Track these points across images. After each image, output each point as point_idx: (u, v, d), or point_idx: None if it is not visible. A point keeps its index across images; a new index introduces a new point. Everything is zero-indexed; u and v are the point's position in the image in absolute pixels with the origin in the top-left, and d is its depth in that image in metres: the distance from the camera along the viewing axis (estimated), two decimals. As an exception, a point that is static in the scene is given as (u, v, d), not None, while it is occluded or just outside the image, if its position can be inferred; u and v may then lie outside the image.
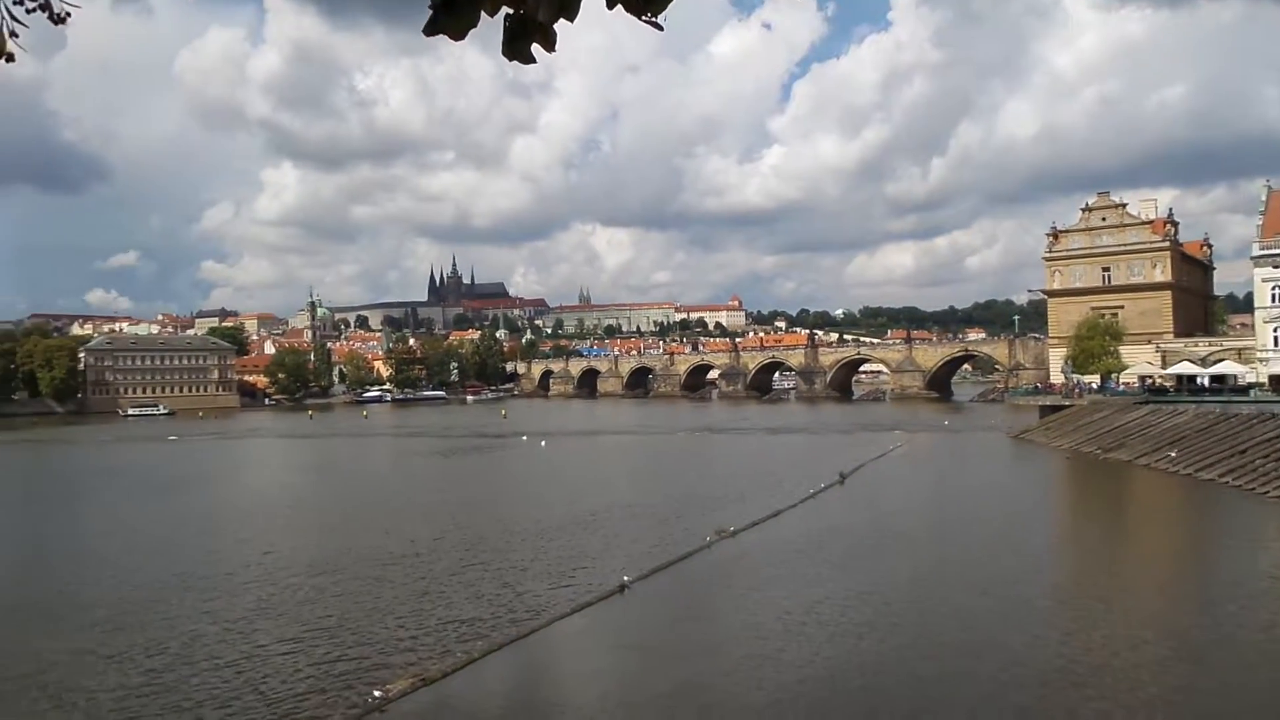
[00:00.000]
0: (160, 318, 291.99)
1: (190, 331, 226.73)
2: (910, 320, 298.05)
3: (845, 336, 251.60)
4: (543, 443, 69.42)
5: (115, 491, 49.05)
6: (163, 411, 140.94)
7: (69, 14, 2.48)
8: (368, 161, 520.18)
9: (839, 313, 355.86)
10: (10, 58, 2.51)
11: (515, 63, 2.81)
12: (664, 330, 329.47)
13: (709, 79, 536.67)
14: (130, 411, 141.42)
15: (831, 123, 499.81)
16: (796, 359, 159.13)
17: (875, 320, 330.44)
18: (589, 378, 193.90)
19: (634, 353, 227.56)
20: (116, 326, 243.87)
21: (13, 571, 27.38)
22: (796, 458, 56.81)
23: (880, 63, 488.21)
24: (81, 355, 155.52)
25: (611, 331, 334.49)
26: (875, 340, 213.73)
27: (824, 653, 18.09)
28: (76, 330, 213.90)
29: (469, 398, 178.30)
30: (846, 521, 33.11)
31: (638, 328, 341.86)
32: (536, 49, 2.73)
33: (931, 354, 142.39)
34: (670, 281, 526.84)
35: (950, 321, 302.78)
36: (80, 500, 45.64)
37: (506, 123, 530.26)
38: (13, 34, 2.48)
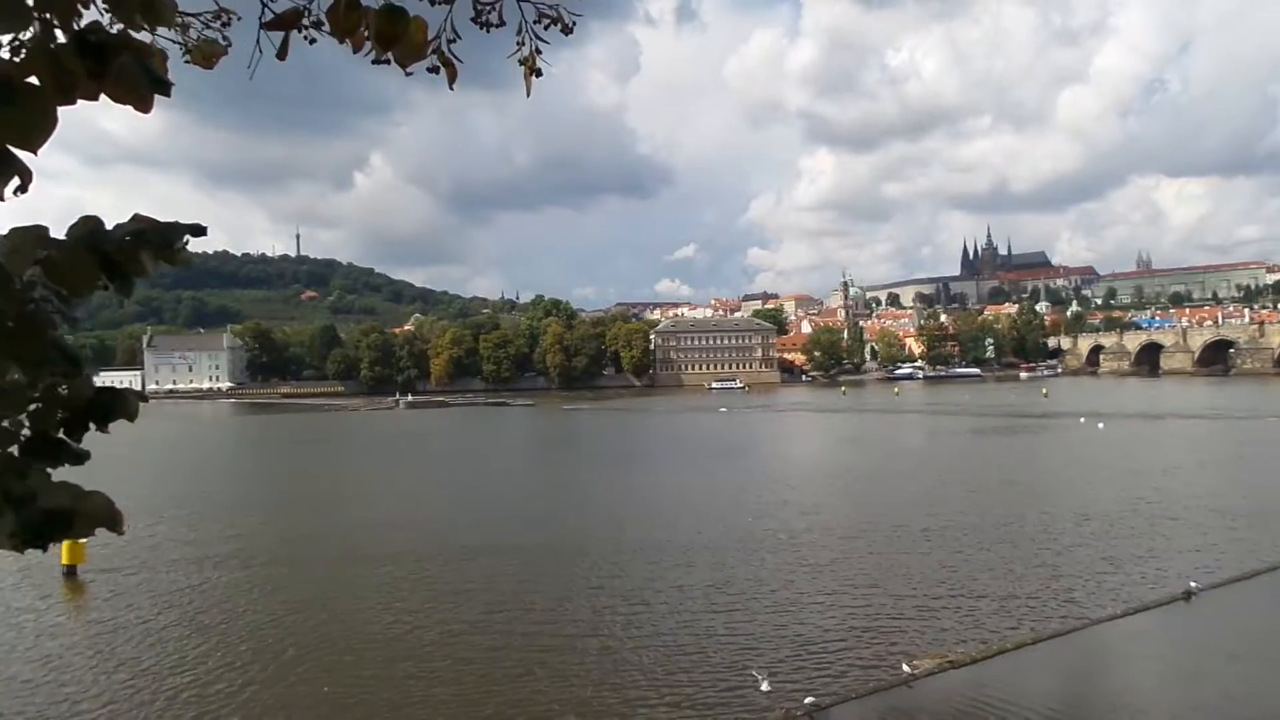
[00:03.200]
0: (713, 302, 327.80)
1: (737, 314, 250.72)
2: None
3: None
4: (1100, 425, 62.80)
5: (681, 455, 56.48)
6: (738, 385, 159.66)
7: (574, 23, 2.55)
8: (900, 138, 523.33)
9: None
10: (539, 73, 2.64)
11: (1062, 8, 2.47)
12: (1250, 296, 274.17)
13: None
14: (713, 385, 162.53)
15: None
16: None
17: None
18: (1148, 352, 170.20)
19: (1208, 323, 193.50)
20: (679, 311, 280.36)
21: (610, 516, 33.25)
22: None
23: None
24: (652, 337, 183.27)
25: (1178, 300, 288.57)
26: None
27: None
28: (649, 316, 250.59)
29: (1022, 374, 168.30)
30: None
31: (1214, 294, 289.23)
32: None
33: None
34: (1261, 237, 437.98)
35: None
36: (652, 460, 53.70)
37: (1051, 75, 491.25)
38: (538, 51, 2.59)
